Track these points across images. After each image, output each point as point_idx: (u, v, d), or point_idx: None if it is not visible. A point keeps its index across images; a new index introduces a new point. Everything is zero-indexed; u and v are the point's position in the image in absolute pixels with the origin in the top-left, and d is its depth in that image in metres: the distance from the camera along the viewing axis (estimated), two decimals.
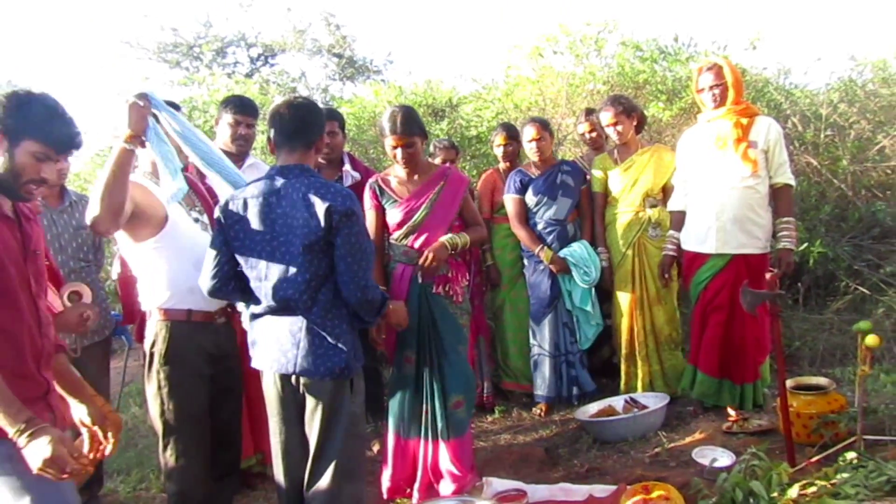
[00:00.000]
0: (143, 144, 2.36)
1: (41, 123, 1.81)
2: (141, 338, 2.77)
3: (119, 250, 2.94)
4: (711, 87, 3.57)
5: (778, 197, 3.57)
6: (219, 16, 13.26)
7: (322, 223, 2.24)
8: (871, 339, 2.42)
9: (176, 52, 12.00)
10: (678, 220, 3.81)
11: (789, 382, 3.20)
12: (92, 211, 2.29)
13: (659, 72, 5.87)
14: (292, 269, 2.30)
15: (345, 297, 2.34)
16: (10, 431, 1.66)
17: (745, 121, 3.52)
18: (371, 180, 3.29)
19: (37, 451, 1.65)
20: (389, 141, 3.08)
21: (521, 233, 4.24)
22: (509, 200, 4.26)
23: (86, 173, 7.36)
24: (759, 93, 5.67)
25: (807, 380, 3.34)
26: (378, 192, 3.23)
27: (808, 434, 3.04)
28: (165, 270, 2.53)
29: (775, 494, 2.24)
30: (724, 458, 2.90)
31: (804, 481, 2.34)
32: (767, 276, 2.89)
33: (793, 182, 3.61)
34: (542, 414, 4.19)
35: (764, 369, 3.70)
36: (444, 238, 3.09)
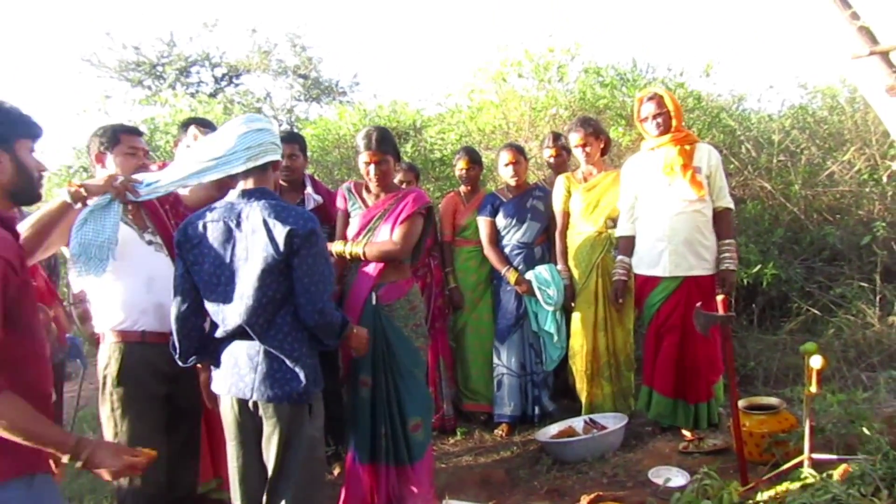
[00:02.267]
0: (84, 203, 2.36)
1: (20, 121, 1.84)
2: None
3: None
4: (654, 116, 3.69)
5: (719, 220, 3.69)
6: (183, 35, 13.13)
7: (282, 247, 2.24)
8: (816, 361, 2.50)
9: (138, 71, 11.88)
10: (626, 245, 3.89)
11: (742, 402, 3.28)
12: None
13: (618, 98, 6.02)
14: (249, 293, 2.29)
15: (302, 320, 2.33)
16: (64, 456, 1.68)
17: (688, 147, 3.65)
18: (345, 185, 3.35)
19: (108, 463, 1.72)
20: (364, 157, 3.14)
21: (490, 254, 4.32)
22: (482, 223, 4.33)
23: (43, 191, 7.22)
24: (714, 118, 5.84)
25: (759, 400, 3.43)
26: (347, 196, 3.31)
27: (760, 453, 3.12)
28: (118, 292, 2.53)
29: None
30: (678, 478, 2.95)
31: (754, 500, 2.40)
32: (719, 298, 2.97)
33: (732, 205, 3.75)
34: (505, 434, 4.21)
35: (718, 388, 3.77)
36: (338, 243, 3.19)
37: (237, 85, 12.75)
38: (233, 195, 2.40)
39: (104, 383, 2.51)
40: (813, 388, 2.57)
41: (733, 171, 5.56)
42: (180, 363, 2.45)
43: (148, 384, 2.53)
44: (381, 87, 25.72)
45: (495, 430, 4.28)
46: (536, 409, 4.26)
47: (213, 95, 10.91)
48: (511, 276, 4.20)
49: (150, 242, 2.64)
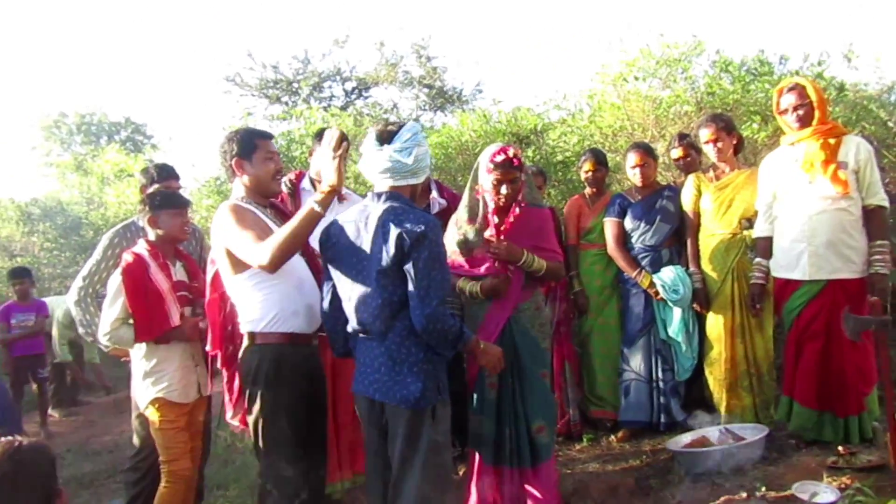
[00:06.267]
0: (340, 198, 2.50)
1: None
2: (227, 363, 2.83)
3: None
4: (795, 108, 3.46)
5: (870, 219, 3.39)
6: (316, 52, 13.87)
7: (393, 250, 2.27)
8: None
9: (276, 88, 12.63)
10: (764, 246, 3.67)
11: None
12: (263, 256, 2.39)
13: (752, 92, 5.69)
14: (368, 294, 2.36)
15: (414, 324, 2.31)
16: None
17: (832, 141, 3.38)
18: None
19: None
20: (493, 176, 3.06)
21: (617, 255, 4.19)
22: (608, 224, 4.23)
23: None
24: (862, 110, 5.40)
25: None
26: None
27: None
28: (271, 295, 2.58)
29: None
30: (827, 494, 2.74)
31: None
32: (871, 300, 2.73)
33: (886, 203, 3.42)
34: (623, 439, 4.12)
35: (871, 401, 3.47)
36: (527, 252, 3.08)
37: (366, 97, 13.27)
38: (368, 196, 2.50)
39: (254, 384, 2.57)
40: None
41: (886, 166, 5.10)
42: (335, 355, 2.63)
43: (298, 385, 2.60)
44: (503, 94, 25.88)
45: (611, 436, 4.19)
46: (663, 418, 4.11)
47: (343, 108, 11.40)
48: (644, 281, 4.07)
49: None
